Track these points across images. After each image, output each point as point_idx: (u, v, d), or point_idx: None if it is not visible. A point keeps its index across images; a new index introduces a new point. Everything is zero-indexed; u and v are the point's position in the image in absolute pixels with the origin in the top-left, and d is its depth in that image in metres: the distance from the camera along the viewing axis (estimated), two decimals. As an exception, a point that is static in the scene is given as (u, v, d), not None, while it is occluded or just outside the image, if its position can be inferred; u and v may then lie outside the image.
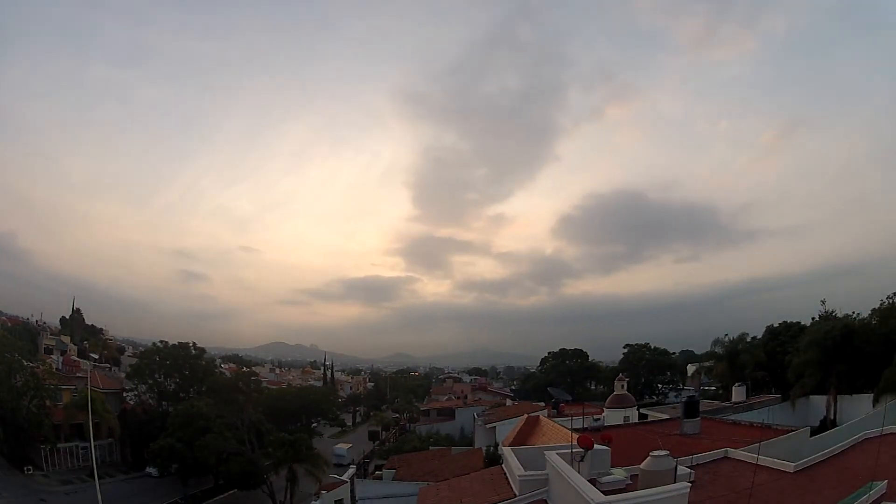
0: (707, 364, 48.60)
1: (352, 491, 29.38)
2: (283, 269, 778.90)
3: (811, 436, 18.89)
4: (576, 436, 10.54)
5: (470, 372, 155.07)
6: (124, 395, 54.82)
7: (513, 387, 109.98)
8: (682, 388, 62.28)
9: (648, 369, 70.67)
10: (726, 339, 45.26)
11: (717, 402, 36.66)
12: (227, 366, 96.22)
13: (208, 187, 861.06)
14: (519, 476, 10.44)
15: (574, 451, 10.10)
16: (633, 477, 9.97)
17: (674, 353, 78.63)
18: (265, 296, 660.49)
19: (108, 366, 67.85)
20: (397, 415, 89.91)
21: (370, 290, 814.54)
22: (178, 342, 56.44)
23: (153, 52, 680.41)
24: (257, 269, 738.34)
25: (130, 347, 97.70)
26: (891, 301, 35.91)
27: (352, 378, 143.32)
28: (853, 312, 38.28)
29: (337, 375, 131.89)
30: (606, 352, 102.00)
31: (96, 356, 70.61)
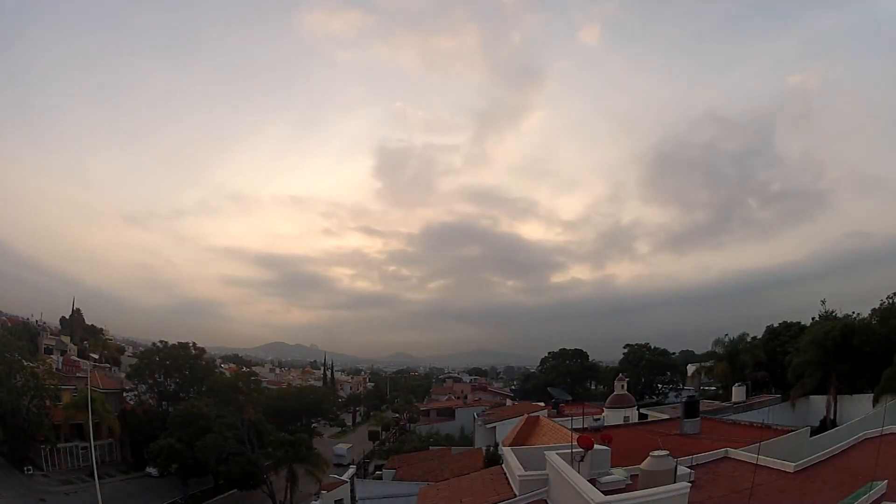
0: (707, 364, 48.54)
1: (352, 491, 29.39)
2: (286, 264, 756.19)
3: (811, 436, 18.89)
4: (576, 436, 10.54)
5: (470, 372, 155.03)
6: (124, 395, 54.81)
7: (513, 387, 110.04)
8: (682, 388, 62.38)
9: (648, 369, 70.70)
10: (726, 339, 45.27)
11: (717, 402, 36.66)
12: (227, 366, 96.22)
13: (235, 188, 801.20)
14: (519, 476, 10.44)
15: (574, 451, 10.10)
16: (633, 477, 9.99)
17: (674, 353, 78.66)
18: (271, 294, 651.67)
19: (108, 366, 67.76)
20: (397, 415, 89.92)
21: (369, 278, 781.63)
22: (178, 342, 56.42)
23: (197, 50, 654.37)
24: (267, 265, 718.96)
25: (130, 347, 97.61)
26: (891, 301, 35.94)
27: (352, 378, 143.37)
28: (853, 312, 38.37)
29: (337, 375, 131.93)
30: (606, 352, 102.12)
31: (96, 356, 70.57)
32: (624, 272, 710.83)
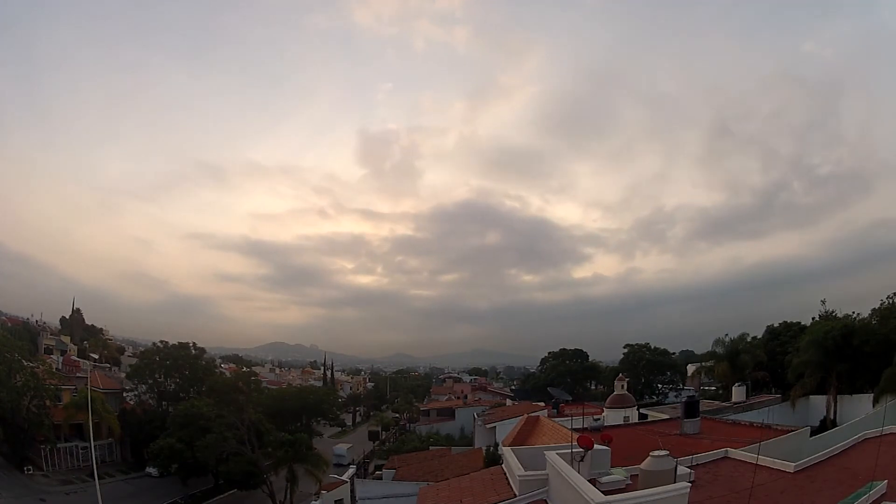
0: (707, 364, 48.54)
1: (352, 491, 29.40)
2: (278, 254, 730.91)
3: (811, 436, 18.91)
4: (576, 436, 10.54)
5: (470, 372, 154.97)
6: (124, 395, 54.82)
7: (513, 387, 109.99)
8: (682, 388, 62.37)
9: (648, 369, 70.60)
10: (727, 338, 45.28)
11: (717, 402, 36.65)
12: (227, 366, 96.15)
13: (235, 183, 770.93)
14: (519, 476, 10.43)
15: (574, 451, 10.09)
16: (633, 477, 9.98)
17: (674, 353, 78.57)
18: (266, 290, 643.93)
19: (108, 366, 67.74)
20: (397, 415, 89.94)
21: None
22: (178, 342, 56.45)
23: (163, 19, 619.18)
24: (258, 255, 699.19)
25: (130, 347, 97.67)
26: (891, 301, 35.93)
27: (352, 378, 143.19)
28: (853, 312, 38.38)
29: (337, 375, 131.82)
30: (607, 352, 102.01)
31: (96, 356, 70.56)
32: (651, 265, 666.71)
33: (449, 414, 60.29)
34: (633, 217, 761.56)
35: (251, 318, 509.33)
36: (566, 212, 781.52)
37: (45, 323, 77.64)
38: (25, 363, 42.21)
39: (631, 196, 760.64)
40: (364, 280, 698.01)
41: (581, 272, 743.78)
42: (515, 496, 10.22)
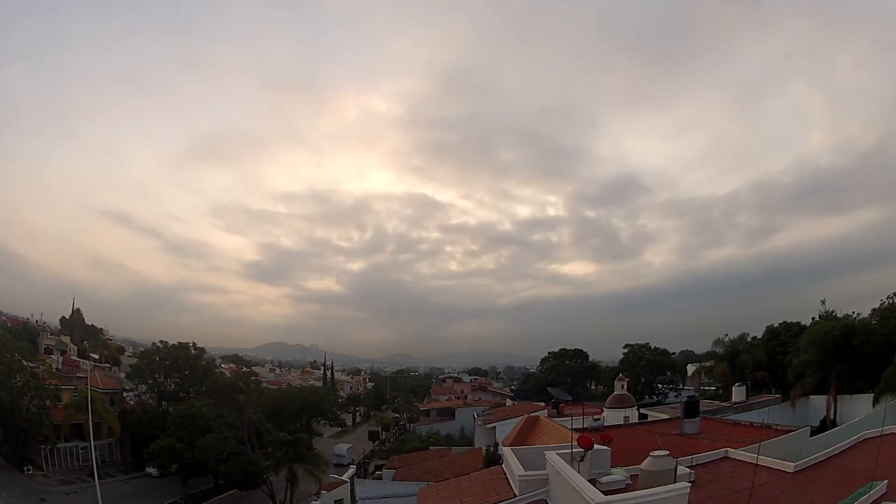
0: (707, 364, 48.55)
1: (352, 491, 29.42)
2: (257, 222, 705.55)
3: (811, 436, 18.89)
4: (576, 436, 10.53)
5: (470, 372, 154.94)
6: (124, 395, 54.83)
7: (513, 387, 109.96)
8: (682, 388, 62.33)
9: (648, 369, 70.63)
10: (726, 338, 45.29)
11: (717, 402, 36.64)
12: (227, 366, 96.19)
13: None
14: (519, 476, 10.43)
15: (574, 451, 10.08)
16: (633, 477, 9.98)
17: (674, 353, 78.60)
18: (256, 279, 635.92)
19: (108, 366, 67.73)
20: (397, 415, 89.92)
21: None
22: (178, 342, 56.46)
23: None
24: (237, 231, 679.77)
25: (130, 347, 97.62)
26: (891, 301, 35.91)
27: (352, 378, 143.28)
28: (853, 312, 38.35)
29: (337, 375, 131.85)
30: (607, 352, 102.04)
31: (96, 356, 70.54)
32: (714, 252, 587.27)
33: (449, 414, 60.27)
34: (737, 182, 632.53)
35: (250, 318, 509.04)
36: (673, 160, 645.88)
37: (45, 323, 77.63)
38: (25, 363, 42.24)
39: (746, 146, 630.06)
40: (366, 266, 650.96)
41: (636, 260, 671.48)
42: (515, 496, 10.21)
